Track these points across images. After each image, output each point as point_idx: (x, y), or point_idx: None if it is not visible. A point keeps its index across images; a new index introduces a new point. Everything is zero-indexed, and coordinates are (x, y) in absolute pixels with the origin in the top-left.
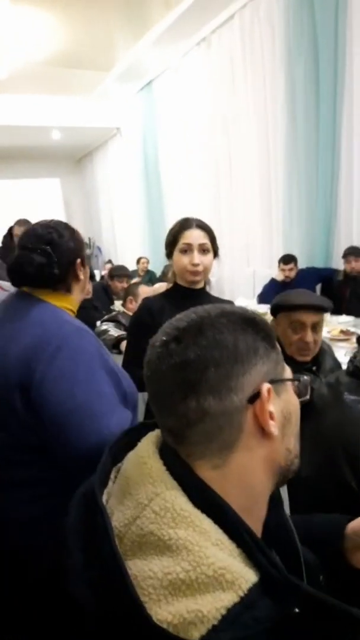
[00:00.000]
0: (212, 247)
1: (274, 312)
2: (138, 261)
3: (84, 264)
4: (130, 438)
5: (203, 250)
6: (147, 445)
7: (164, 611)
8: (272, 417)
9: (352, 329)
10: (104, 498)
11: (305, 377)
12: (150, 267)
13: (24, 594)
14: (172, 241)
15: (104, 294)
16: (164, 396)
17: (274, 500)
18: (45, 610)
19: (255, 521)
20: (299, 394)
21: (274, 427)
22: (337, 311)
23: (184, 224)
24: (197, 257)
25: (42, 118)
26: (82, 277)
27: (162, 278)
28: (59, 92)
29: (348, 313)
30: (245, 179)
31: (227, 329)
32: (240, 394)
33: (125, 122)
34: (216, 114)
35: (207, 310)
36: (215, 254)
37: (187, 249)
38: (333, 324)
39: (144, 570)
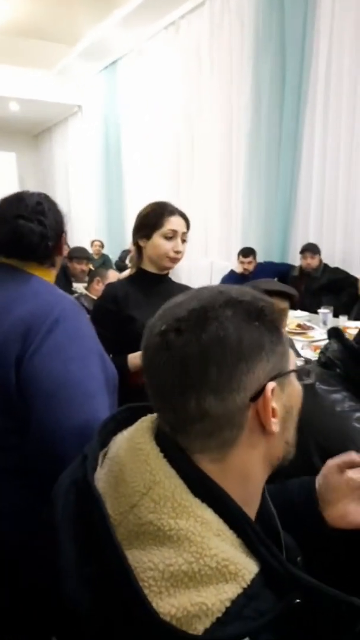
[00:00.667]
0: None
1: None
2: (92, 244)
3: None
4: (118, 422)
5: (183, 239)
6: (142, 431)
7: (166, 604)
8: (274, 415)
9: (308, 324)
10: None
11: (309, 364)
12: (104, 251)
13: (16, 595)
14: (154, 225)
15: (62, 275)
16: (162, 390)
17: None
18: (38, 611)
19: (251, 513)
20: (301, 378)
21: (275, 424)
22: (291, 306)
23: (169, 209)
24: (180, 245)
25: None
26: (64, 252)
27: (120, 264)
28: (18, 62)
29: (302, 309)
30: (207, 169)
31: (231, 324)
32: (243, 393)
33: (87, 100)
34: (180, 101)
35: (212, 298)
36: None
37: (172, 236)
38: (290, 318)
39: (142, 561)
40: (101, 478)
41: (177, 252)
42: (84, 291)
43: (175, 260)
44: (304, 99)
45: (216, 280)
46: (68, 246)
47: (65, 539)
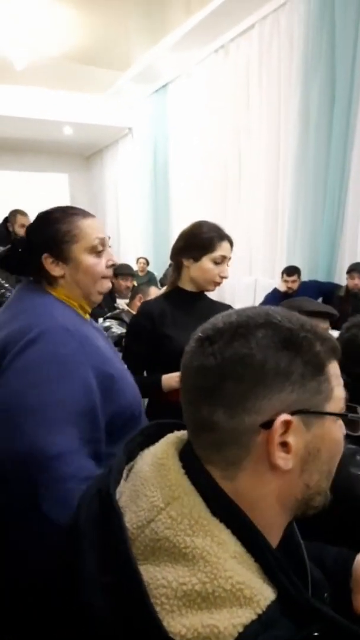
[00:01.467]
0: None
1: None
2: (137, 261)
3: (58, 259)
4: (146, 436)
5: (228, 262)
6: (167, 447)
7: (177, 623)
8: (287, 450)
9: None
10: (116, 496)
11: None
12: (150, 269)
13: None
14: (206, 247)
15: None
16: (187, 391)
17: None
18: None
19: (270, 541)
20: (352, 428)
21: (283, 459)
22: (335, 327)
23: (220, 234)
24: (227, 270)
25: (55, 112)
26: (55, 273)
27: (164, 281)
28: (73, 88)
29: None
30: (253, 189)
31: (258, 345)
32: (254, 416)
33: (137, 122)
34: (228, 123)
35: (253, 316)
36: None
37: (221, 262)
38: None
39: (156, 577)
40: (124, 492)
41: (224, 278)
42: (126, 307)
43: (218, 284)
44: (353, 120)
45: (259, 299)
46: (115, 263)
47: (87, 546)
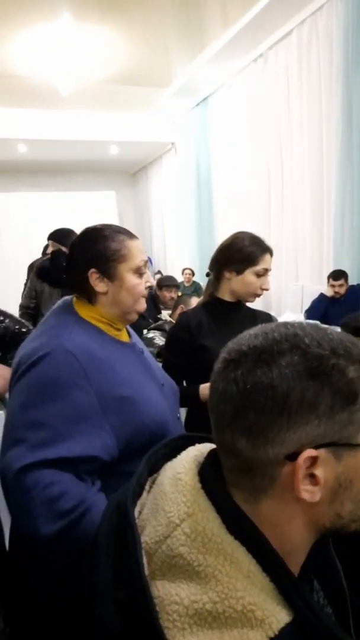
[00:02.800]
0: None
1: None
2: (182, 272)
3: (104, 276)
4: (172, 449)
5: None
6: (186, 461)
7: None
8: (315, 482)
9: None
10: (137, 510)
11: None
12: (195, 279)
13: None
14: (249, 261)
15: (151, 303)
16: (214, 413)
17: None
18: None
19: (292, 565)
20: None
21: (310, 493)
22: None
23: (263, 247)
24: (268, 283)
25: (101, 133)
26: (98, 289)
27: None
28: (117, 108)
29: None
30: (297, 194)
31: (282, 375)
32: (278, 448)
33: (180, 136)
34: (270, 130)
35: (279, 339)
36: None
37: (263, 274)
38: None
39: (170, 594)
40: (146, 504)
41: (265, 290)
42: (168, 318)
43: (259, 296)
44: None
45: (307, 305)
46: (161, 273)
47: (103, 560)
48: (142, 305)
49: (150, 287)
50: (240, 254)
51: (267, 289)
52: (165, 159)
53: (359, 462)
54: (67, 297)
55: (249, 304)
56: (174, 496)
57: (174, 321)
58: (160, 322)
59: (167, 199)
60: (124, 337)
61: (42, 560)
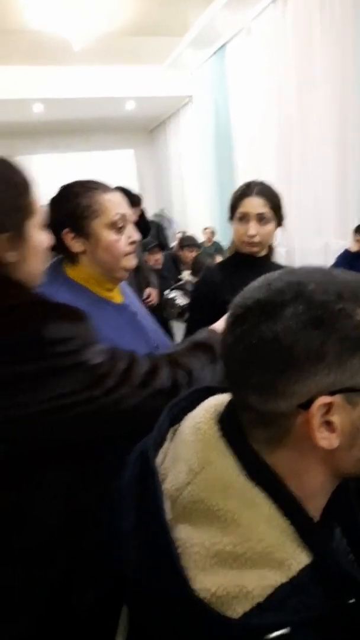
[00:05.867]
0: (276, 215)
1: None
2: (203, 231)
3: (79, 235)
4: (192, 401)
5: (261, 219)
6: (206, 410)
7: (207, 580)
8: (331, 429)
9: None
10: (160, 457)
11: None
12: (216, 238)
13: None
14: (231, 207)
15: (172, 264)
16: (225, 368)
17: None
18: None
19: (311, 510)
20: None
21: (327, 440)
22: None
23: (245, 190)
24: (253, 228)
25: (116, 89)
26: (75, 249)
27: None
28: (132, 61)
29: None
30: (319, 146)
31: (285, 326)
32: (289, 400)
33: (197, 89)
34: (291, 79)
35: (279, 292)
36: (280, 223)
37: (243, 218)
38: None
39: (191, 537)
40: (168, 453)
41: (251, 236)
42: (190, 277)
43: (253, 245)
44: None
45: (331, 262)
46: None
47: (128, 505)
48: (129, 263)
49: (134, 242)
50: (231, 201)
51: (251, 235)
52: (182, 114)
53: None
54: (56, 258)
55: (283, 259)
56: (194, 445)
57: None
58: (182, 282)
59: (186, 156)
60: (117, 297)
61: None
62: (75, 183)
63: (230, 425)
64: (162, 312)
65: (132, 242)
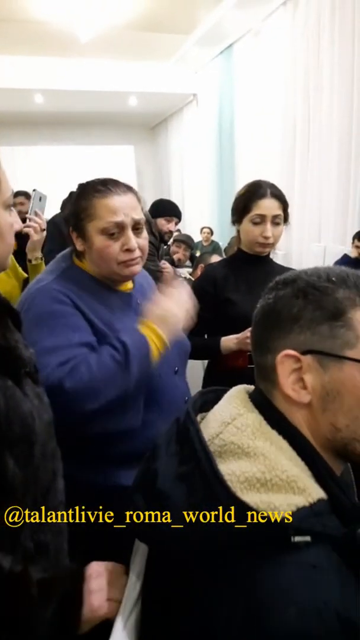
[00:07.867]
0: (284, 216)
1: None
2: (201, 231)
3: (79, 235)
4: (205, 401)
5: (275, 222)
6: (236, 389)
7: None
8: (304, 386)
9: None
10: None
11: None
12: (215, 238)
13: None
14: (243, 209)
15: (170, 262)
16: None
17: None
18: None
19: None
20: None
21: (296, 392)
22: None
23: (258, 192)
24: (269, 230)
25: (120, 83)
26: (78, 247)
27: (229, 250)
28: (137, 57)
29: None
30: (323, 151)
31: (279, 297)
32: (273, 354)
33: (202, 88)
34: (297, 82)
35: (288, 276)
36: (286, 221)
37: (260, 221)
38: None
39: (223, 470)
40: (201, 423)
41: (267, 238)
42: (188, 276)
43: (266, 246)
44: None
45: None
46: (131, 249)
47: (162, 451)
48: (124, 271)
49: (129, 250)
50: (237, 202)
51: (267, 237)
52: (185, 112)
53: (345, 376)
54: (68, 249)
55: (280, 262)
56: (225, 406)
57: (193, 279)
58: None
59: (187, 155)
60: (123, 286)
61: None
62: (89, 183)
63: (256, 391)
64: None
65: (128, 250)
